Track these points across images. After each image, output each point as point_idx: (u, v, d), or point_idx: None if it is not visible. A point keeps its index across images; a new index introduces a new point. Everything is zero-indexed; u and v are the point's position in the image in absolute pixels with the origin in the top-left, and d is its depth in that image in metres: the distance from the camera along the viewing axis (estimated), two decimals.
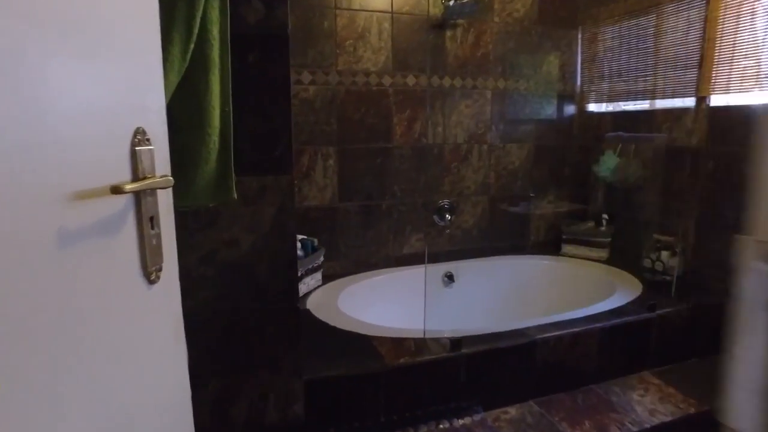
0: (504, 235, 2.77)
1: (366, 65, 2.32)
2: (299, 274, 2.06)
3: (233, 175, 1.10)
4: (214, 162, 1.05)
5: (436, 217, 2.57)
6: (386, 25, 2.33)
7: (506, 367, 1.71)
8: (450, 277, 2.53)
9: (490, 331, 1.78)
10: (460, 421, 1.62)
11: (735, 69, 2.13)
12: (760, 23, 2.04)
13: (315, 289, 2.20)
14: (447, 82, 2.51)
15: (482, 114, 2.61)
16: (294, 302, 1.37)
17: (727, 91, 2.17)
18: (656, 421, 1.66)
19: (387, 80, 2.37)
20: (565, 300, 2.48)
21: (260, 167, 1.25)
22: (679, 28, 2.31)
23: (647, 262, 2.35)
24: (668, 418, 1.67)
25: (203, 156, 1.01)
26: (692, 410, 1.72)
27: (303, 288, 2.12)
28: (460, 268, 2.55)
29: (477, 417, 1.65)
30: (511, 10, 2.59)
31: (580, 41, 2.81)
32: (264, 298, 1.32)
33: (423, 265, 2.43)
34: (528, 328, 1.80)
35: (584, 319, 1.89)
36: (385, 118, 2.39)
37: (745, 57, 2.09)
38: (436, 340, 1.71)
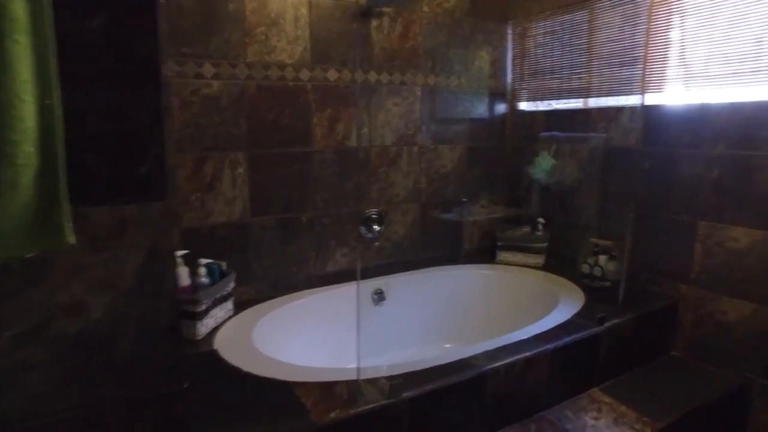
0: (437, 244, 2.57)
1: (280, 57, 2.00)
2: (203, 308, 1.71)
3: (66, 206, 0.74)
4: (29, 187, 0.70)
5: (363, 229, 2.30)
6: (303, 11, 2.02)
7: (454, 406, 1.48)
8: (380, 295, 2.28)
9: (432, 362, 1.54)
10: None
11: (666, 68, 2.07)
12: (688, 22, 1.97)
13: (225, 321, 1.86)
14: (373, 77, 2.25)
15: (412, 113, 2.38)
16: (179, 383, 1.01)
17: (660, 89, 2.09)
18: None
19: (305, 74, 2.06)
20: (506, 313, 2.32)
21: (117, 192, 0.86)
22: (614, 24, 2.21)
23: (585, 268, 2.25)
24: None
25: (4, 178, 0.66)
26: (649, 431, 1.60)
27: (210, 323, 1.77)
28: (391, 283, 2.31)
29: None
30: (441, 0, 2.38)
31: (510, 36, 2.67)
32: (132, 384, 0.94)
33: (350, 283, 2.17)
34: (475, 357, 1.59)
35: (534, 340, 1.72)
36: (303, 118, 2.09)
37: (676, 56, 2.03)
38: (373, 382, 1.44)
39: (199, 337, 1.70)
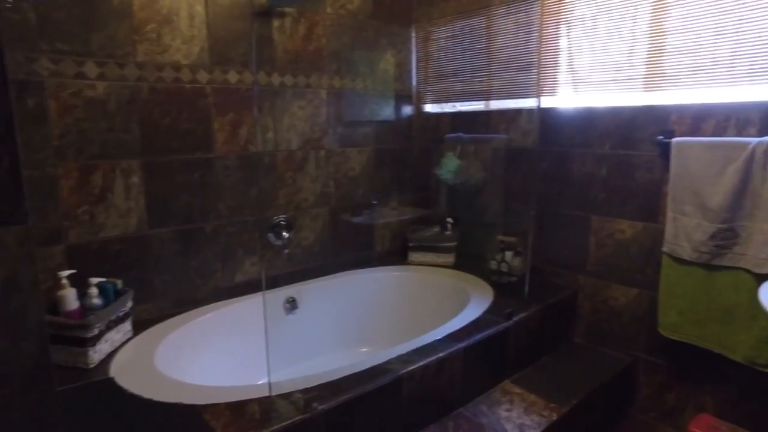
0: (348, 248, 2.55)
1: (175, 57, 1.87)
2: (95, 332, 1.55)
3: None
4: None
5: (271, 236, 2.23)
6: (198, 8, 1.90)
7: (372, 413, 1.47)
8: (293, 303, 2.22)
9: (347, 371, 1.52)
10: None
11: (557, 73, 2.20)
12: (573, 32, 2.12)
13: (123, 344, 1.70)
14: (276, 79, 2.18)
15: (318, 116, 2.34)
16: None
17: (553, 93, 2.23)
18: None
19: (203, 76, 1.94)
20: (420, 314, 2.35)
21: None
22: (509, 31, 2.31)
23: (493, 264, 2.34)
24: (537, 431, 1.61)
25: None
26: (555, 416, 1.69)
27: (104, 348, 1.61)
28: (303, 291, 2.26)
29: None
30: (344, 2, 2.36)
31: (414, 39, 2.71)
32: None
33: (260, 293, 2.09)
34: (390, 362, 1.59)
35: (447, 339, 1.75)
36: (203, 123, 1.97)
37: (565, 62, 2.17)
38: (287, 396, 1.39)
39: (92, 365, 1.54)
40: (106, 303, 1.64)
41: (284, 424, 1.27)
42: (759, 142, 1.60)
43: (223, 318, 2.00)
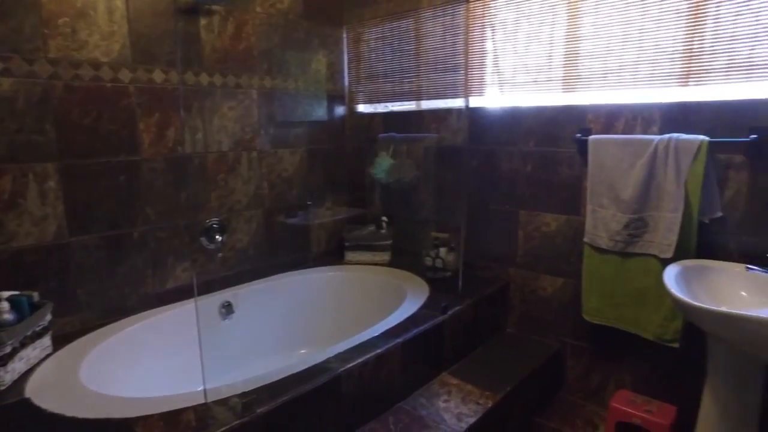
0: (284, 249, 2.52)
1: (93, 54, 1.77)
2: (7, 350, 1.45)
3: None
4: None
5: (204, 240, 2.17)
6: (118, 3, 1.82)
7: (312, 413, 1.47)
8: (228, 307, 2.17)
9: (286, 372, 1.51)
10: None
11: (484, 74, 2.29)
12: (498, 35, 2.22)
13: (41, 362, 1.59)
14: (205, 79, 2.12)
15: (249, 117, 2.30)
16: None
17: (480, 93, 2.32)
18: (464, 425, 1.64)
19: (126, 75, 1.86)
20: (358, 312, 2.37)
21: None
22: (437, 34, 2.38)
23: (428, 261, 2.40)
24: (473, 419, 1.67)
25: None
26: (490, 403, 1.76)
27: (19, 367, 1.50)
28: (239, 294, 2.21)
29: None
30: (274, 1, 2.33)
31: (345, 40, 2.73)
32: None
33: (193, 299, 2.03)
34: (329, 361, 1.59)
35: (385, 335, 1.78)
36: (127, 124, 1.88)
37: (491, 64, 2.27)
38: (224, 402, 1.36)
39: (3, 387, 1.43)
40: (21, 318, 1.53)
41: (222, 429, 1.24)
42: (660, 140, 1.75)
43: (156, 326, 1.92)
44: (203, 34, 2.09)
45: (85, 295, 1.83)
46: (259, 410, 1.32)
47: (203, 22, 2.08)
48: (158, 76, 1.95)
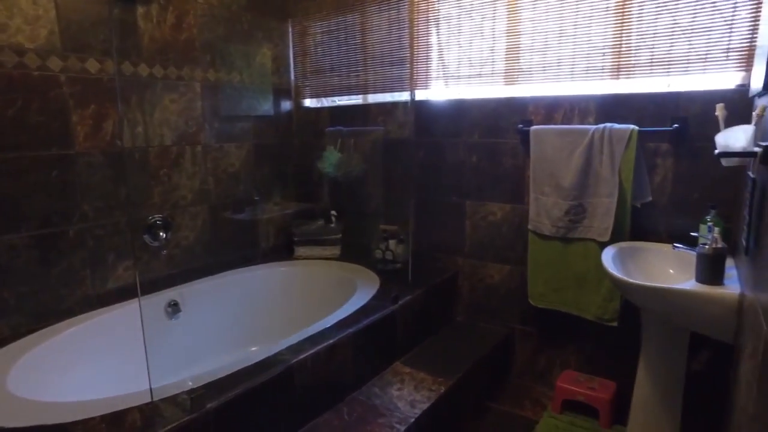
0: (232, 246, 2.47)
1: (16, 39, 1.66)
2: None
3: None
4: None
5: (147, 237, 2.09)
6: None
7: (264, 406, 1.44)
8: (175, 306, 2.10)
9: (237, 366, 1.48)
10: None
11: (429, 68, 2.33)
12: (442, 30, 2.26)
13: None
14: (144, 70, 2.04)
15: (192, 110, 2.23)
16: None
17: (426, 87, 2.36)
18: (418, 411, 1.66)
19: (56, 63, 1.76)
20: (308, 306, 2.35)
21: None
22: (382, 28, 2.40)
23: (378, 253, 2.41)
24: (426, 405, 1.70)
25: None
26: (443, 389, 1.79)
27: None
28: (185, 293, 2.14)
29: None
30: None
31: (291, 34, 2.70)
32: None
33: (137, 300, 1.94)
34: (281, 353, 1.57)
35: (336, 326, 1.78)
36: (59, 116, 1.78)
37: (436, 58, 2.31)
38: (171, 399, 1.32)
39: None
40: None
41: (170, 427, 1.20)
42: (596, 129, 1.84)
43: (95, 329, 1.83)
44: (141, 23, 2.01)
45: (14, 300, 1.72)
46: (209, 405, 1.29)
47: (141, 10, 2.00)
48: (92, 65, 1.86)
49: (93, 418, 1.24)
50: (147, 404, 1.30)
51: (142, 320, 1.42)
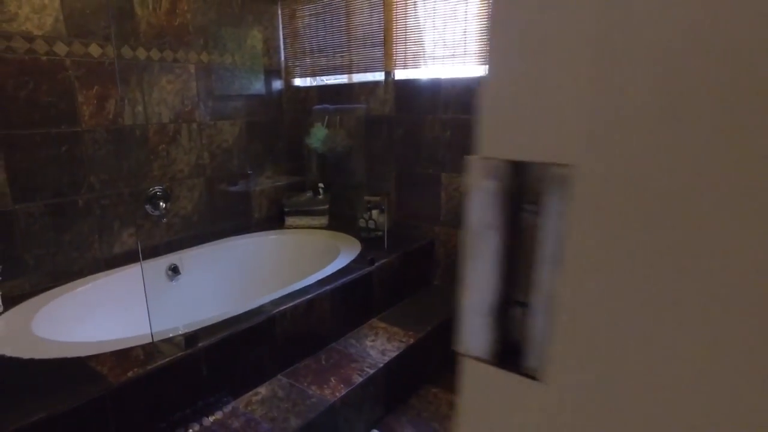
0: (226, 216, 2.68)
1: (26, 27, 1.85)
2: None
3: None
4: None
5: (148, 207, 2.30)
6: None
7: (249, 350, 1.67)
8: (175, 270, 2.32)
9: (224, 316, 1.70)
10: (211, 418, 1.53)
11: (409, 48, 2.50)
12: (419, 12, 2.42)
13: None
14: (142, 53, 2.22)
15: (188, 90, 2.42)
16: None
17: (405, 66, 2.53)
18: (387, 358, 1.88)
19: (61, 48, 1.95)
20: (295, 270, 2.56)
21: None
22: (364, 11, 2.56)
23: (362, 222, 2.62)
24: (395, 353, 1.92)
25: None
26: (412, 341, 2.02)
27: None
28: (184, 258, 2.36)
29: (228, 408, 1.58)
30: None
31: (280, 17, 2.86)
32: None
33: (139, 263, 2.17)
34: (263, 306, 1.79)
35: (316, 284, 2.00)
36: (66, 96, 1.98)
37: (415, 38, 2.47)
38: (169, 340, 1.54)
39: None
40: None
41: (167, 360, 1.43)
42: None
43: (104, 287, 2.06)
44: (138, 10, 2.19)
45: (33, 260, 1.95)
46: (200, 344, 1.51)
47: None
48: (95, 50, 2.05)
49: (104, 353, 1.47)
50: (149, 344, 1.52)
51: (143, 274, 1.64)
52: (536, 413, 0.26)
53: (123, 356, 1.46)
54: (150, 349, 1.49)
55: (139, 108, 2.25)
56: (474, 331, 0.26)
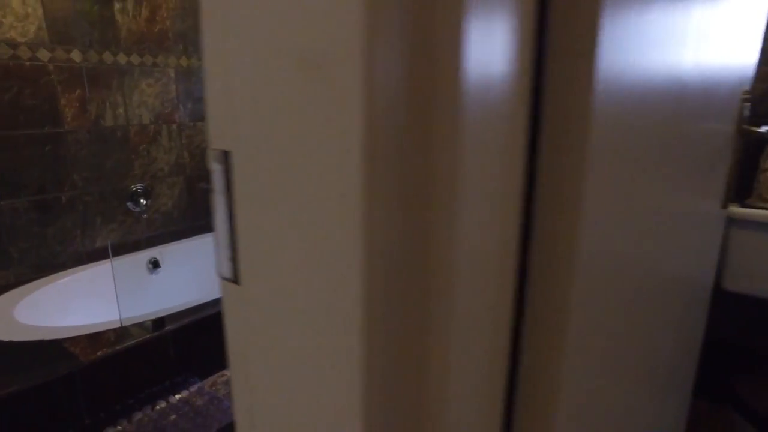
0: (206, 213, 2.80)
1: (10, 35, 1.98)
2: None
3: None
4: None
5: (130, 204, 2.43)
6: None
7: (216, 332, 1.79)
8: (155, 264, 2.45)
9: (194, 304, 1.82)
10: (177, 396, 1.65)
11: None
12: None
13: None
14: (123, 59, 2.35)
15: (167, 93, 2.55)
16: None
17: None
18: None
19: (44, 55, 2.08)
20: None
21: None
22: None
23: None
24: None
25: None
26: None
27: None
28: (164, 252, 2.49)
29: (194, 387, 1.70)
30: None
31: None
32: None
33: (121, 257, 2.30)
34: None
35: None
36: (49, 100, 2.10)
37: None
38: (139, 324, 1.66)
39: None
40: None
41: (135, 341, 1.55)
42: None
43: (87, 279, 2.18)
44: (118, 18, 2.32)
45: (18, 253, 2.07)
46: (167, 328, 1.63)
47: (117, 6, 2.31)
48: (77, 55, 2.17)
49: (78, 336, 1.59)
50: (119, 327, 1.64)
51: (112, 264, 1.76)
52: (240, 312, 0.38)
53: (95, 339, 1.58)
54: (121, 332, 1.61)
55: (120, 110, 2.38)
56: (221, 260, 0.38)
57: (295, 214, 0.32)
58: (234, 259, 0.38)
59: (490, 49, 0.32)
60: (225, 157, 0.37)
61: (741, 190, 1.65)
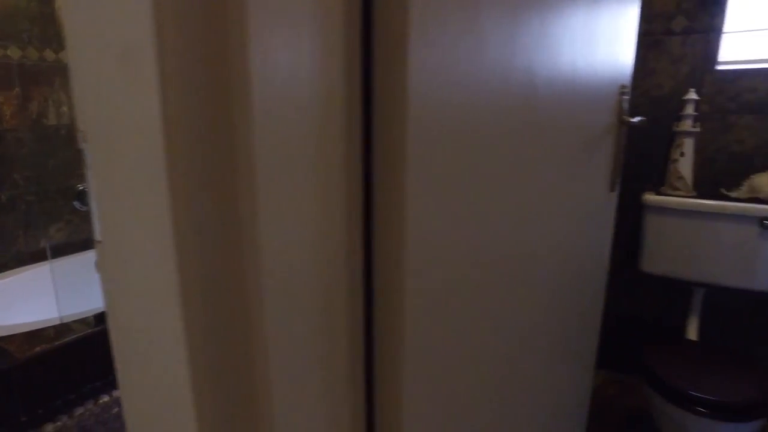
0: None
1: None
2: None
3: None
4: None
5: (77, 203, 2.40)
6: None
7: None
8: None
9: None
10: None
11: None
12: None
13: None
14: (65, 57, 2.32)
15: None
16: None
17: None
18: None
19: None
20: None
21: None
22: None
23: None
24: None
25: None
26: None
27: None
28: None
29: None
30: None
31: None
32: None
33: (67, 257, 2.28)
34: None
35: None
36: None
37: None
38: (82, 320, 1.67)
39: None
40: None
41: (75, 336, 1.56)
42: None
43: (27, 279, 2.16)
44: (59, 14, 2.29)
45: None
46: None
47: (58, 3, 2.28)
48: (14, 52, 2.14)
49: (16, 335, 1.59)
50: (59, 324, 1.65)
51: (49, 255, 1.76)
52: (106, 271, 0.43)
53: (35, 336, 1.58)
54: (61, 329, 1.62)
55: (65, 108, 2.35)
56: None
57: (128, 189, 0.36)
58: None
59: (289, 48, 0.37)
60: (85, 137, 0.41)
61: (657, 180, 1.77)
